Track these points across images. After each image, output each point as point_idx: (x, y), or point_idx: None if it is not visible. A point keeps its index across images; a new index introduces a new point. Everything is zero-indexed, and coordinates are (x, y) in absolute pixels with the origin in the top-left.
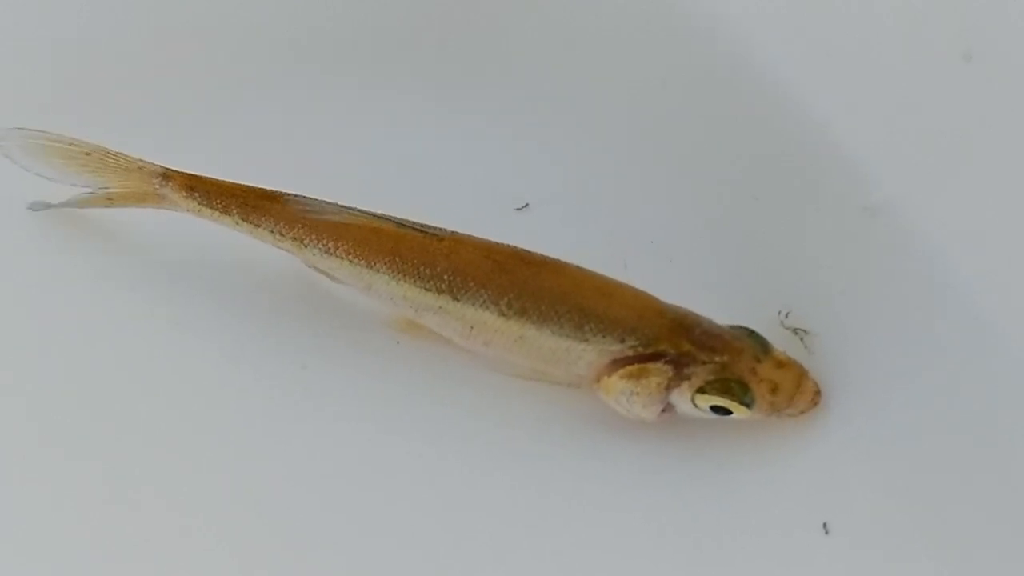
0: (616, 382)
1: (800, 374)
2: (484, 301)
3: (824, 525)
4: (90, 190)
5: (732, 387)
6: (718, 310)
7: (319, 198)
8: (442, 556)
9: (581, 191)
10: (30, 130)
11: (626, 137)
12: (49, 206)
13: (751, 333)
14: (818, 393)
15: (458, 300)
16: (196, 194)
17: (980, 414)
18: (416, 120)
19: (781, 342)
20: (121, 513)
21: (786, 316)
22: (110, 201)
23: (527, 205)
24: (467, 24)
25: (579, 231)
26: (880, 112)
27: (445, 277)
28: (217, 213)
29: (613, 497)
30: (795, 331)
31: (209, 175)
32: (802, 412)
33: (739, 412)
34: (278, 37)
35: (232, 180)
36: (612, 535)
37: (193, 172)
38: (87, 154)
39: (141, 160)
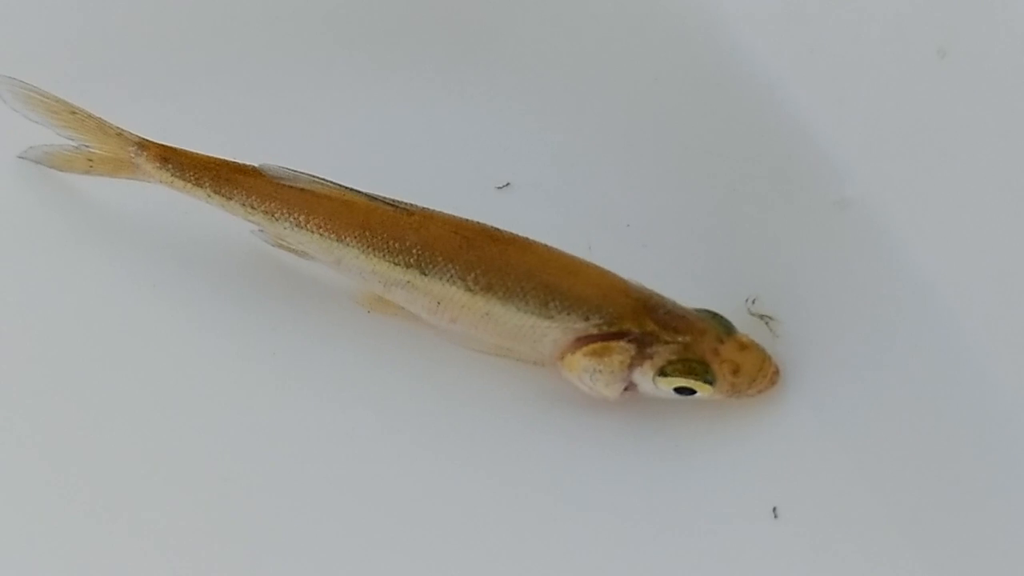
0: (579, 359)
1: (762, 356)
2: (451, 276)
3: (774, 509)
4: (74, 144)
5: (694, 367)
6: (688, 295)
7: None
8: (406, 525)
9: (562, 173)
10: (21, 82)
11: (611, 123)
12: (38, 161)
13: (715, 316)
14: (776, 373)
15: (426, 275)
16: (170, 165)
17: (936, 408)
18: (402, 97)
19: (747, 328)
20: (89, 480)
21: (752, 303)
22: (90, 164)
23: (508, 184)
24: (456, 2)
25: (557, 212)
26: (856, 107)
27: (414, 251)
28: (190, 185)
29: (571, 473)
30: (761, 317)
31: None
32: (760, 392)
33: (702, 391)
34: (264, 14)
35: (207, 153)
36: (568, 509)
37: (169, 144)
38: (72, 113)
39: (119, 128)
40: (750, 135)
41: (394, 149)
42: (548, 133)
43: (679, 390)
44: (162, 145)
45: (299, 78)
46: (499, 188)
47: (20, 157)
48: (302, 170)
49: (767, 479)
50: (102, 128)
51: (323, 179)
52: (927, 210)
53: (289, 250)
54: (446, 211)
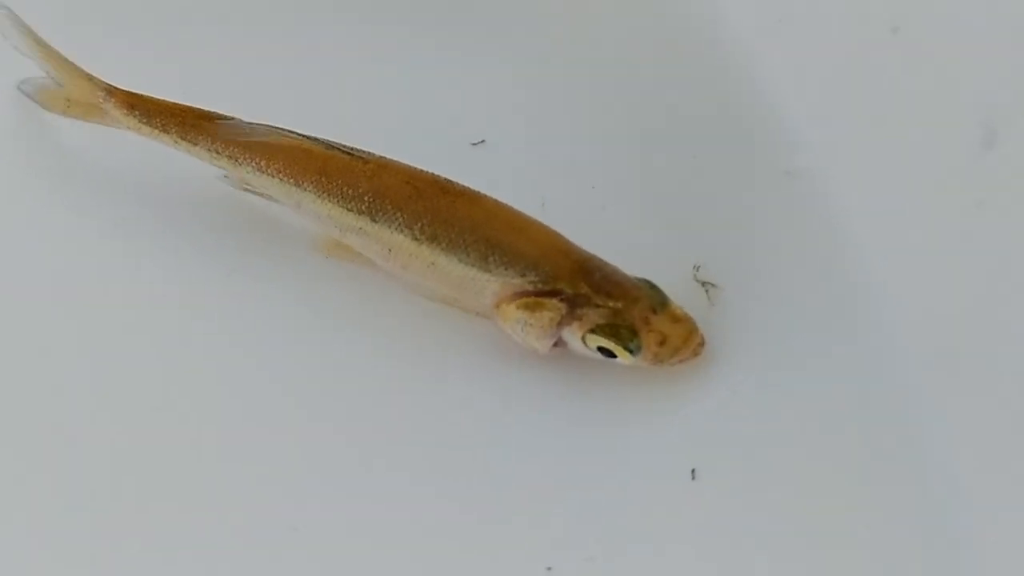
0: (512, 310)
1: (690, 330)
2: (399, 225)
3: (692, 471)
4: (53, 83)
5: (621, 332)
6: (640, 257)
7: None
8: (332, 458)
9: (534, 134)
10: (12, 13)
11: (585, 89)
12: (31, 96)
13: (652, 286)
14: (701, 344)
15: (376, 222)
16: (136, 112)
17: (859, 381)
18: (386, 52)
19: (690, 293)
20: (41, 412)
21: (698, 270)
22: (67, 105)
23: (483, 141)
24: None
25: (527, 170)
26: (813, 80)
27: (366, 199)
28: (156, 131)
29: (500, 424)
30: (703, 284)
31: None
32: (682, 361)
33: (623, 357)
34: None
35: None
36: (492, 456)
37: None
38: (48, 52)
39: (89, 74)
40: (714, 104)
41: (374, 103)
42: (523, 95)
43: (602, 350)
44: (129, 92)
45: (281, 28)
46: (473, 145)
47: (19, 88)
48: (259, 122)
49: (689, 441)
50: (75, 72)
51: (279, 129)
52: (870, 183)
53: (254, 193)
54: (421, 165)
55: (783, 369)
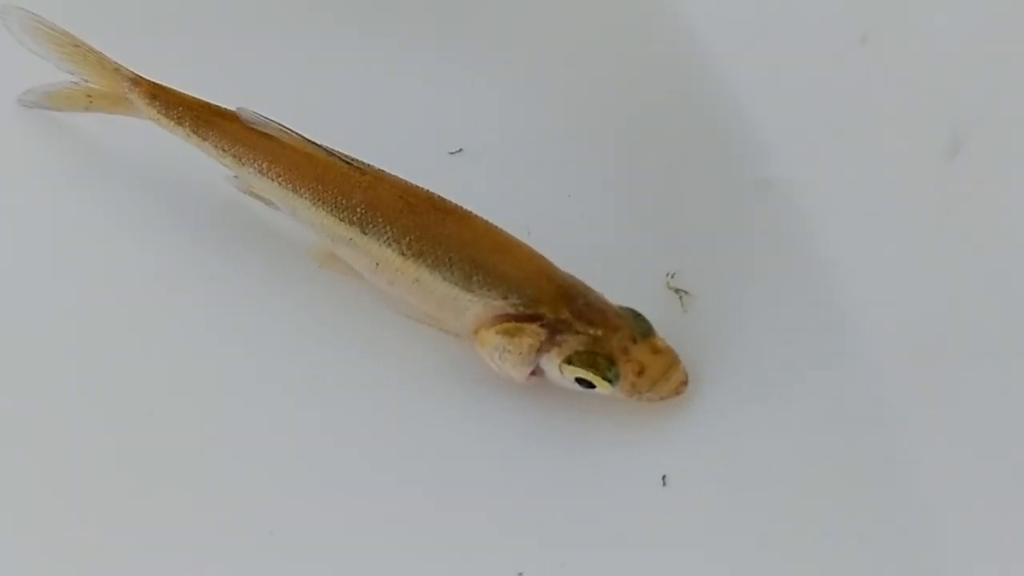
0: (491, 336)
1: (670, 363)
2: (387, 238)
3: (663, 477)
4: (74, 79)
5: (598, 361)
6: (616, 265)
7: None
8: (315, 460)
9: (512, 143)
10: (30, 13)
11: (562, 99)
12: (37, 104)
13: (637, 315)
14: (684, 384)
15: (365, 234)
16: (157, 102)
17: (830, 392)
18: (372, 59)
19: (665, 302)
20: (31, 410)
21: (672, 277)
22: (90, 100)
23: (461, 150)
24: None
25: (504, 179)
26: (784, 89)
27: (358, 210)
28: (172, 123)
29: (474, 425)
30: (677, 291)
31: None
32: (662, 399)
33: (601, 387)
34: None
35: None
36: (465, 458)
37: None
38: (74, 46)
39: (117, 64)
40: (688, 113)
41: (353, 111)
42: (501, 104)
43: (580, 381)
44: (153, 83)
45: (261, 38)
46: (451, 153)
47: (20, 102)
48: (274, 120)
49: (660, 448)
50: (101, 63)
51: (291, 130)
52: (844, 190)
53: (257, 198)
54: (398, 173)
55: (756, 377)
